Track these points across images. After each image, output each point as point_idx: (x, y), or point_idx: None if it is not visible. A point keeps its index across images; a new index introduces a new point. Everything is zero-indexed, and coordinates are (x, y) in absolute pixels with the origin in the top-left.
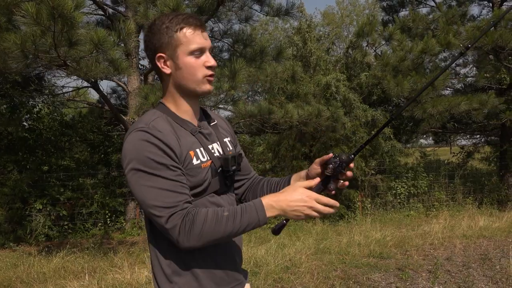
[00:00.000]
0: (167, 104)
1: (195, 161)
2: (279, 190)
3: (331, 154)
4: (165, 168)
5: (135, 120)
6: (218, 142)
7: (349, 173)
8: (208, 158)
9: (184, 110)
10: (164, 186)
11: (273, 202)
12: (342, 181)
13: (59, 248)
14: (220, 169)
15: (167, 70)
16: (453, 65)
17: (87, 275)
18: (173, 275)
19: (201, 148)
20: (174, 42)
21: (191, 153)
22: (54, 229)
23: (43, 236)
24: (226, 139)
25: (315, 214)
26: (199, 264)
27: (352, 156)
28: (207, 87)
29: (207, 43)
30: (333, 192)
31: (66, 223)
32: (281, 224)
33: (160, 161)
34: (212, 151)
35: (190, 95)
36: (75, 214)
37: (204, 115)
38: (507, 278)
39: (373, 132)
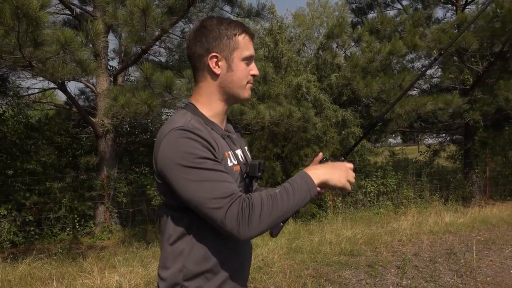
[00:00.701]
0: (197, 105)
1: (229, 163)
2: None
3: (320, 154)
4: (211, 161)
5: (104, 122)
6: (241, 149)
7: None
8: (237, 163)
9: (216, 113)
10: (216, 178)
11: (315, 170)
12: None
13: (25, 255)
14: (245, 175)
15: (217, 71)
16: (419, 66)
17: (55, 281)
18: (187, 279)
19: (231, 152)
20: (233, 44)
21: (226, 154)
22: (20, 235)
23: (8, 242)
24: (245, 147)
25: (350, 183)
26: (217, 273)
27: (342, 158)
28: (248, 93)
29: (254, 53)
30: (322, 191)
31: (32, 228)
32: (278, 227)
33: (206, 156)
34: (239, 156)
35: (230, 99)
36: (42, 219)
37: (227, 122)
38: (471, 272)
39: (343, 132)
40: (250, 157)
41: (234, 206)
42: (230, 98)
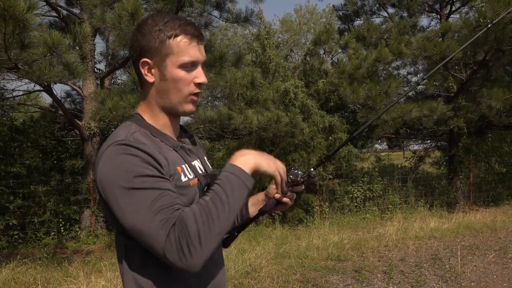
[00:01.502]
0: (144, 115)
1: (183, 178)
2: (237, 216)
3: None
4: (153, 179)
5: (90, 125)
6: (199, 160)
7: (302, 187)
8: (194, 176)
9: (163, 124)
10: (157, 199)
11: (241, 157)
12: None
13: (8, 259)
14: (206, 187)
15: (150, 79)
16: (405, 73)
17: (40, 286)
18: None
19: (186, 165)
20: (164, 49)
21: (179, 169)
22: (3, 239)
23: None
24: (204, 157)
25: (280, 173)
26: None
27: (312, 170)
28: (189, 107)
29: (201, 57)
30: (287, 199)
31: (16, 232)
32: (231, 236)
33: (147, 173)
34: (196, 168)
35: (169, 111)
36: (26, 223)
37: (182, 131)
38: (455, 277)
39: (330, 138)
40: (210, 167)
41: (172, 233)
42: (169, 110)
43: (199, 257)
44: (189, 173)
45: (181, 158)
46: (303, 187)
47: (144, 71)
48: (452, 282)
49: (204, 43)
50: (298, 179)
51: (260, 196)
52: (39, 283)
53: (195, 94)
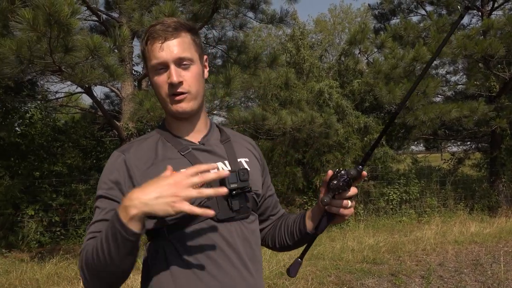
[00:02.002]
0: (166, 122)
1: None
2: (296, 230)
3: (330, 172)
4: (102, 197)
5: (128, 125)
6: (227, 161)
7: (353, 190)
8: None
9: (176, 127)
10: (96, 216)
11: (125, 201)
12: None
13: (51, 254)
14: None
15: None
16: (444, 72)
17: (81, 281)
18: None
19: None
20: (144, 57)
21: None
22: (46, 235)
23: (35, 242)
24: (242, 159)
25: (183, 206)
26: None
27: (360, 167)
28: (175, 107)
29: (167, 55)
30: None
31: (58, 229)
32: (295, 262)
33: (101, 194)
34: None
35: (171, 114)
36: (68, 220)
37: (220, 132)
38: (498, 284)
39: (365, 139)
40: (246, 166)
41: (83, 248)
42: (171, 114)
43: (87, 284)
44: None
45: (186, 161)
46: (350, 191)
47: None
48: None
49: (173, 38)
50: (340, 183)
51: (314, 210)
52: (81, 278)
53: (176, 94)
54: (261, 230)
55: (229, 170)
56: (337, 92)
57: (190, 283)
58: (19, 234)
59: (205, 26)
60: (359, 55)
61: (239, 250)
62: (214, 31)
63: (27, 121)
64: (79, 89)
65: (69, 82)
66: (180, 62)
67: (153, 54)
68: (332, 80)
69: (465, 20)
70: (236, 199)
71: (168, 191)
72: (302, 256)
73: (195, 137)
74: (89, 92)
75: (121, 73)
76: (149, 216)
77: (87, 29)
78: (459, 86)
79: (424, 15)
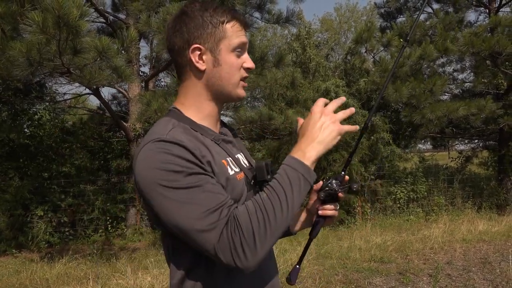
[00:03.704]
0: (182, 109)
1: (230, 171)
2: None
3: (320, 183)
4: (195, 176)
5: (136, 126)
6: (242, 153)
7: (341, 195)
8: (240, 169)
9: (206, 115)
10: (201, 195)
11: (301, 146)
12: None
13: (60, 255)
14: (253, 181)
15: (202, 66)
16: (451, 70)
17: (90, 280)
18: None
19: (230, 158)
20: (219, 34)
21: (224, 162)
22: (55, 236)
23: (44, 242)
24: (246, 151)
25: (344, 126)
26: None
27: (342, 173)
28: (242, 92)
29: (248, 43)
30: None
31: (67, 229)
32: (294, 270)
33: (189, 171)
34: (241, 161)
35: (220, 98)
36: (76, 221)
37: (222, 124)
38: (507, 282)
39: (372, 138)
40: (253, 160)
41: (225, 233)
42: (220, 98)
43: (254, 258)
44: (234, 166)
45: (224, 151)
46: (343, 193)
47: (195, 58)
48: (503, 287)
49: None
50: (336, 188)
51: (302, 215)
52: (90, 278)
53: (244, 79)
54: None
55: (265, 163)
56: (343, 91)
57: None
58: (29, 235)
59: None
60: (366, 53)
61: None
62: None
63: (36, 122)
64: (87, 91)
65: (77, 84)
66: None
67: (237, 35)
68: (339, 79)
69: (472, 17)
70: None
71: (326, 121)
72: (300, 262)
73: (215, 127)
74: (97, 93)
75: (128, 74)
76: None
77: (95, 30)
78: (466, 84)
79: (430, 13)
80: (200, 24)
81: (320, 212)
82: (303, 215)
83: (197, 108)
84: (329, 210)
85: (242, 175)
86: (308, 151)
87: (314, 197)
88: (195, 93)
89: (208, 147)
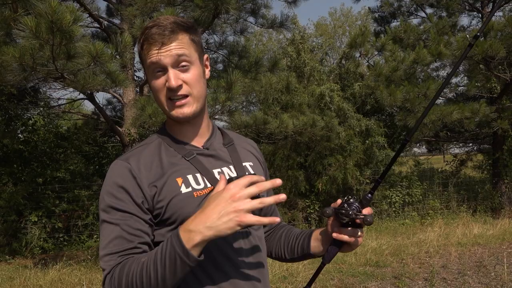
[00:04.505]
0: (167, 126)
1: (184, 189)
2: (298, 247)
3: (339, 201)
4: (115, 211)
5: (131, 131)
6: (232, 166)
7: (367, 211)
8: (208, 185)
9: (179, 131)
10: (114, 230)
11: (190, 225)
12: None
13: (54, 261)
14: None
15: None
16: (445, 74)
17: (85, 286)
18: None
19: (197, 174)
20: (141, 60)
21: (179, 180)
22: (50, 242)
23: (38, 248)
24: (246, 163)
25: (248, 218)
26: None
27: (369, 196)
28: (176, 112)
29: (164, 59)
30: (352, 238)
31: (61, 235)
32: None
33: (115, 206)
34: (214, 176)
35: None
36: (71, 226)
37: (222, 135)
38: (502, 285)
39: (367, 142)
40: (251, 170)
41: (112, 273)
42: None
43: None
44: (196, 183)
45: (193, 167)
46: (360, 221)
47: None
48: None
49: (170, 42)
50: (350, 213)
51: (322, 233)
52: (84, 284)
53: (176, 98)
54: None
55: (235, 177)
56: (338, 95)
57: None
58: (23, 241)
59: (206, 31)
60: (360, 58)
61: (247, 257)
62: (215, 36)
63: (30, 127)
64: (82, 96)
65: (71, 89)
66: (178, 64)
67: (149, 57)
68: (333, 84)
69: (466, 21)
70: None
71: (228, 207)
72: (309, 284)
73: (198, 141)
74: (91, 98)
75: (123, 79)
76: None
77: (89, 36)
78: (460, 88)
79: (424, 17)
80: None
81: (334, 235)
82: (323, 236)
83: (169, 125)
84: (346, 235)
85: (206, 191)
86: (194, 234)
87: (333, 215)
88: None
89: (164, 165)
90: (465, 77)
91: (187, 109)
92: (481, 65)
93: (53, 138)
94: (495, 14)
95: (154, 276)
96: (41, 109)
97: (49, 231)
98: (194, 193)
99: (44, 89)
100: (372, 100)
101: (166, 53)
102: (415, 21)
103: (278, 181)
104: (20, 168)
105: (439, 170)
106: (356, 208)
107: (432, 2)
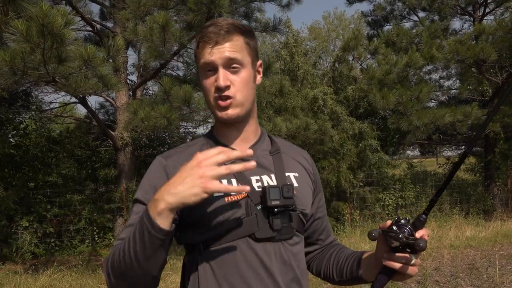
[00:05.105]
0: (214, 128)
1: (216, 193)
2: (347, 268)
3: (388, 222)
4: (140, 204)
5: (123, 135)
6: (273, 174)
7: (420, 234)
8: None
9: (223, 134)
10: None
11: (156, 195)
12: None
13: (46, 266)
14: (261, 205)
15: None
16: (437, 77)
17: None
18: None
19: (233, 179)
20: (196, 58)
21: None
22: (41, 247)
23: (29, 254)
24: (291, 174)
25: (214, 184)
26: None
27: (424, 216)
28: (220, 113)
29: (216, 57)
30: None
31: (53, 240)
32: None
33: (140, 192)
34: (252, 182)
35: (218, 119)
36: (62, 231)
37: (271, 143)
38: (494, 287)
39: (360, 145)
40: (294, 183)
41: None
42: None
43: (111, 286)
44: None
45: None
46: (415, 243)
47: None
48: None
49: (224, 41)
50: (400, 236)
51: (372, 257)
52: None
53: (221, 99)
54: (306, 254)
55: (272, 186)
56: (331, 99)
57: None
58: (13, 246)
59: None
60: (353, 61)
61: (275, 273)
62: None
63: (22, 132)
64: (74, 99)
65: (63, 92)
66: (229, 65)
67: (202, 55)
68: (327, 87)
69: (457, 25)
70: (278, 218)
71: (193, 173)
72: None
73: (241, 146)
74: (83, 102)
75: (115, 83)
76: (183, 207)
77: (82, 39)
78: (452, 91)
79: (416, 21)
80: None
81: (384, 262)
82: (373, 260)
83: (217, 127)
84: (397, 262)
85: (239, 197)
86: (158, 202)
87: (382, 238)
88: None
89: None
90: (457, 81)
91: (232, 111)
92: (473, 68)
93: (45, 142)
94: (485, 18)
95: (127, 251)
96: (33, 113)
97: (40, 236)
98: (226, 198)
99: (35, 92)
100: (365, 103)
101: (218, 53)
102: (407, 24)
103: (249, 151)
104: (11, 173)
105: (432, 172)
106: (408, 231)
107: (425, 6)
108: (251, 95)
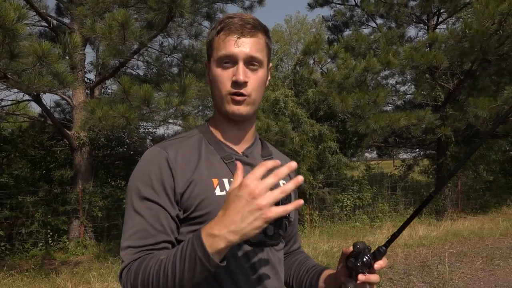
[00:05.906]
0: (210, 124)
1: (218, 192)
2: (306, 281)
3: (350, 248)
4: (145, 201)
5: (80, 134)
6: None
7: (379, 265)
8: None
9: (223, 130)
10: (143, 217)
11: (213, 230)
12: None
13: None
14: None
15: (208, 81)
16: (393, 82)
17: None
18: None
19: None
20: (211, 46)
21: (215, 181)
22: None
23: None
24: (281, 181)
25: (273, 212)
26: None
27: (384, 248)
28: (230, 108)
29: (242, 52)
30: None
31: (3, 244)
32: None
33: (146, 196)
34: None
35: (222, 115)
36: (14, 234)
37: (262, 147)
38: (443, 284)
39: (320, 147)
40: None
41: (126, 270)
42: (221, 113)
43: None
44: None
45: (229, 171)
46: (370, 272)
47: (206, 72)
48: None
49: (249, 36)
50: (358, 263)
51: (331, 277)
52: None
53: (237, 94)
54: None
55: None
56: (292, 101)
57: None
58: None
59: (161, 34)
60: (314, 65)
61: (264, 278)
62: (169, 39)
63: None
64: (27, 97)
65: (16, 90)
66: (250, 62)
67: (224, 45)
68: (288, 89)
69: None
70: (272, 224)
71: (250, 206)
72: None
73: (239, 146)
74: (37, 100)
75: (71, 81)
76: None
77: (36, 35)
78: (407, 96)
79: (374, 27)
80: (207, 39)
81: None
82: (332, 281)
83: (215, 123)
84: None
85: None
86: (219, 239)
87: (341, 265)
88: (214, 107)
89: (202, 162)
90: (412, 86)
91: (244, 108)
92: (426, 75)
93: None
94: (439, 27)
95: (171, 276)
96: None
97: None
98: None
99: None
100: (325, 106)
101: (242, 47)
102: (366, 30)
103: (293, 164)
104: None
105: (388, 174)
106: (365, 261)
107: (382, 13)
108: (261, 96)
